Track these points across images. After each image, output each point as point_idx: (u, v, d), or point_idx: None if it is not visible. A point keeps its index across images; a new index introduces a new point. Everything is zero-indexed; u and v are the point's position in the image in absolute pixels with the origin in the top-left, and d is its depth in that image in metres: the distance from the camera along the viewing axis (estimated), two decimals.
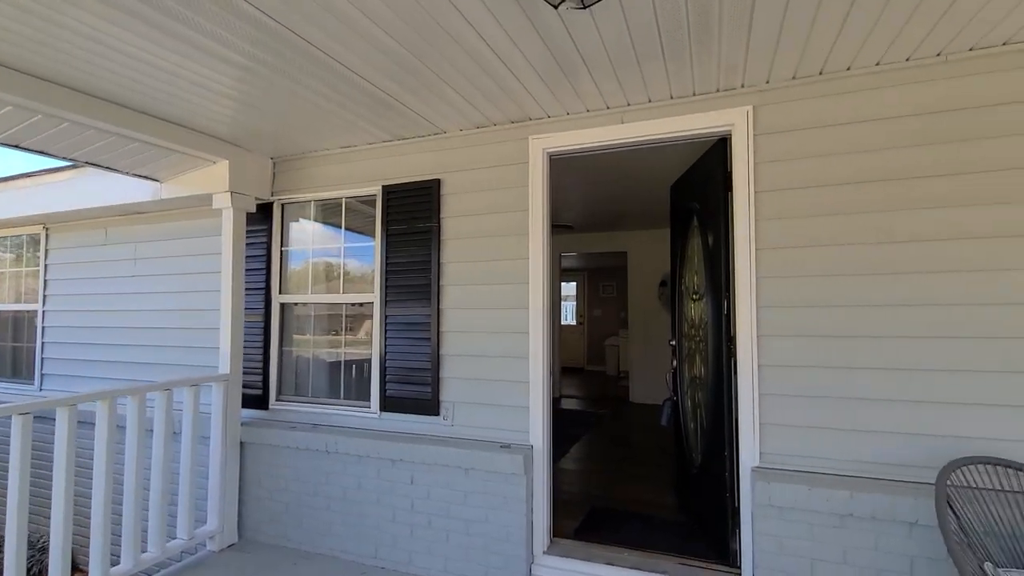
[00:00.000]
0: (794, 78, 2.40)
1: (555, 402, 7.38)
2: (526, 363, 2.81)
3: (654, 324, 6.83)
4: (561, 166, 3.71)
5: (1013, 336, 2.06)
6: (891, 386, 2.20)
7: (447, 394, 3.00)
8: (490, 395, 2.89)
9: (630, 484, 3.94)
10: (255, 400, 3.47)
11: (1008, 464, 1.96)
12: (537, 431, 2.76)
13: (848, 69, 2.32)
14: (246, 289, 3.37)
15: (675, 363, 3.46)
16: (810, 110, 2.38)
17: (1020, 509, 1.90)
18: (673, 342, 3.50)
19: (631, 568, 2.56)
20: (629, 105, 2.69)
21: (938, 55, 2.20)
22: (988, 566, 1.72)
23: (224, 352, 3.19)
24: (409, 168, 3.19)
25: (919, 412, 2.16)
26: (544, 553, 2.71)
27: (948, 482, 1.92)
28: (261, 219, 3.55)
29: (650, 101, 2.65)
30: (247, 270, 3.39)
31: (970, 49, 2.15)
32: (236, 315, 3.22)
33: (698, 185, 3.02)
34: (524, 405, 2.80)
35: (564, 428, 5.63)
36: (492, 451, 2.73)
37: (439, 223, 3.07)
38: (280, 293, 3.56)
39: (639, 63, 2.27)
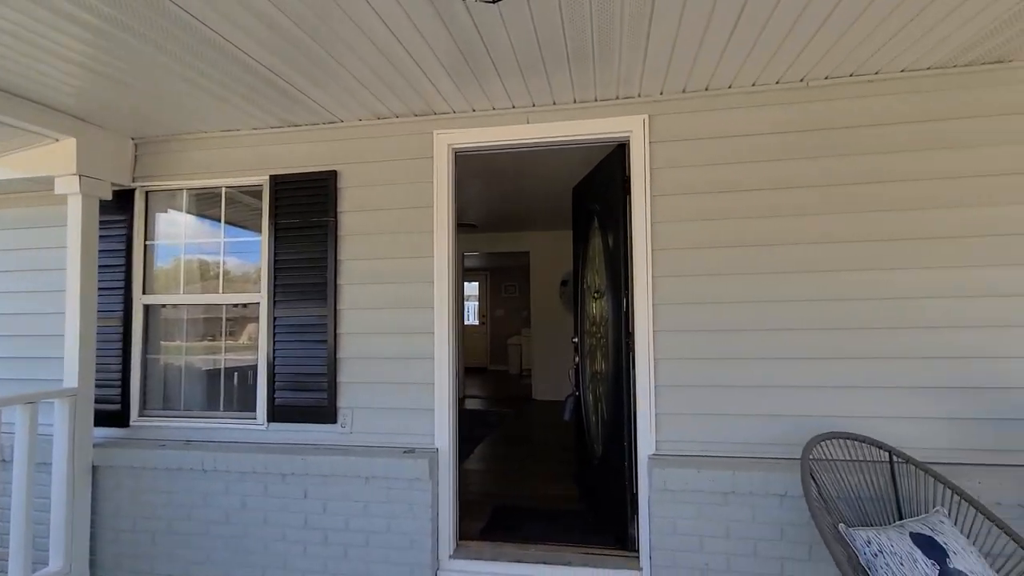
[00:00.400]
0: (684, 91, 2.58)
1: (459, 403, 7.31)
2: (431, 364, 2.73)
3: (556, 323, 7.05)
4: (466, 163, 3.66)
5: (848, 328, 2.40)
6: (765, 373, 2.45)
7: (346, 400, 2.82)
8: (393, 399, 2.77)
9: (534, 480, 4.01)
10: (112, 417, 2.99)
11: (855, 437, 2.27)
12: (443, 433, 2.69)
13: (729, 87, 2.55)
14: (100, 288, 2.90)
15: (577, 359, 3.57)
16: (698, 122, 2.58)
17: (863, 475, 2.21)
18: (575, 339, 3.61)
19: (537, 563, 2.59)
20: (535, 106, 2.73)
21: (801, 80, 2.49)
22: (842, 527, 1.97)
23: (70, 362, 2.71)
24: (302, 157, 2.95)
25: (787, 396, 2.43)
26: (450, 557, 2.65)
27: (810, 456, 2.17)
28: (119, 208, 3.08)
29: (555, 104, 2.71)
30: (102, 266, 2.92)
31: (825, 78, 2.47)
32: (86, 318, 2.75)
33: (599, 188, 3.14)
34: (429, 407, 2.72)
35: (469, 429, 5.59)
36: (395, 457, 2.61)
37: (336, 218, 2.87)
38: (144, 293, 3.11)
39: (546, 67, 2.30)
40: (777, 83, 2.51)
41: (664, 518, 2.39)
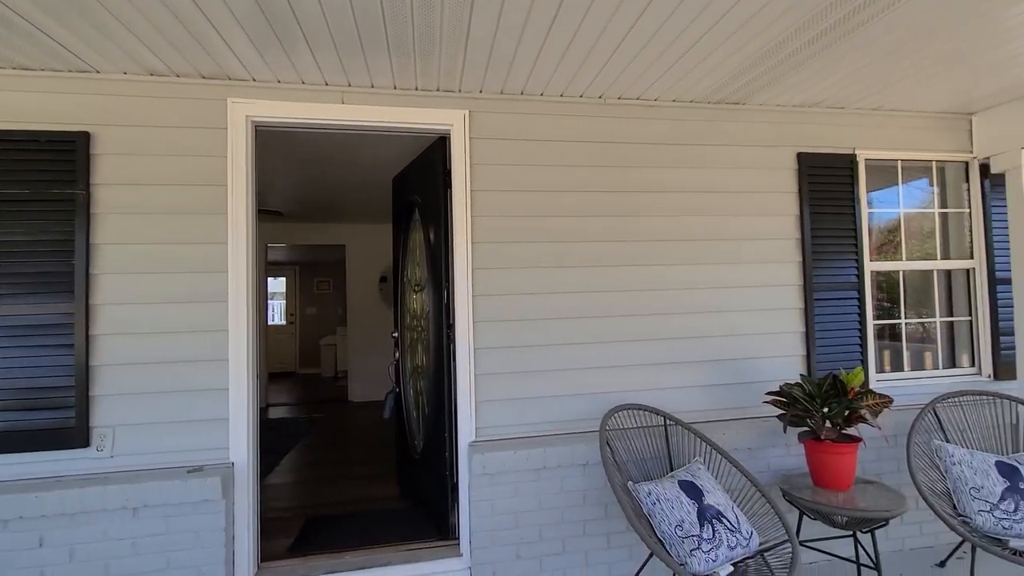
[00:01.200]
0: (502, 92, 2.71)
1: (262, 411, 6.52)
2: (225, 367, 2.37)
3: (375, 321, 6.78)
4: (270, 141, 3.28)
5: (632, 315, 2.82)
6: (568, 357, 2.71)
7: (104, 417, 2.27)
8: (175, 410, 2.33)
9: (351, 485, 3.79)
10: None
11: (639, 407, 2.66)
12: (240, 445, 2.36)
13: (542, 95, 2.75)
14: None
15: (397, 355, 3.49)
16: (515, 123, 2.73)
17: (646, 439, 2.61)
18: (396, 334, 3.52)
19: (355, 569, 2.45)
20: (351, 86, 2.57)
21: (600, 97, 2.82)
22: (630, 484, 2.30)
23: None
24: (35, 111, 2.29)
25: (587, 376, 2.73)
26: None
27: (607, 427, 2.48)
28: None
29: (373, 87, 2.59)
30: None
31: (619, 98, 2.84)
32: None
33: (420, 179, 3.11)
34: (222, 417, 2.35)
35: (273, 440, 5.03)
36: (176, 479, 2.20)
37: (88, 191, 2.30)
38: None
39: (363, 47, 2.18)
40: (581, 96, 2.80)
41: (483, 501, 2.47)
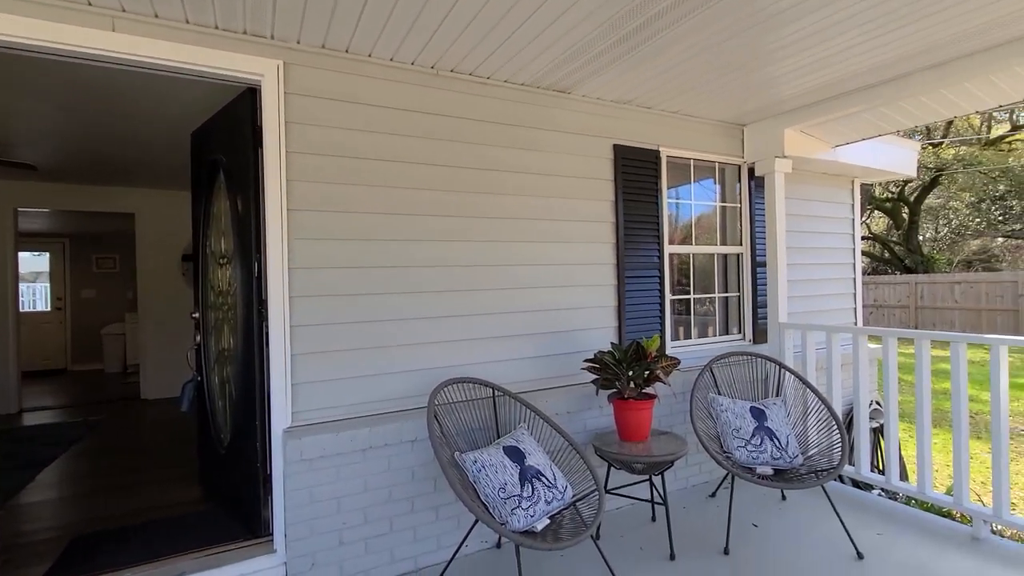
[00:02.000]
0: (323, 47, 2.47)
1: (14, 418, 5.18)
2: None
3: (175, 305, 5.81)
4: (15, 69, 2.57)
5: (464, 289, 2.85)
6: (397, 333, 2.63)
7: None
8: None
9: (140, 492, 3.21)
10: None
11: (469, 380, 2.70)
12: None
13: (370, 56, 2.57)
14: None
15: (199, 338, 3.02)
16: (341, 83, 2.51)
17: (475, 411, 2.65)
18: (196, 315, 3.05)
19: None
20: (125, 11, 2.10)
21: (432, 68, 2.74)
22: (456, 455, 2.32)
23: None
24: None
25: (417, 352, 2.68)
26: None
27: (435, 401, 2.46)
28: None
29: (157, 16, 2.15)
30: None
31: (451, 70, 2.79)
32: None
33: (226, 136, 2.70)
34: None
35: (26, 452, 4.03)
36: None
37: None
38: None
39: None
40: (413, 64, 2.69)
41: (300, 490, 2.28)
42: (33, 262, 8.51)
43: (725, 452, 2.92)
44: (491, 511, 2.18)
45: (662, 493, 2.73)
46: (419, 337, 2.69)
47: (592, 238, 3.32)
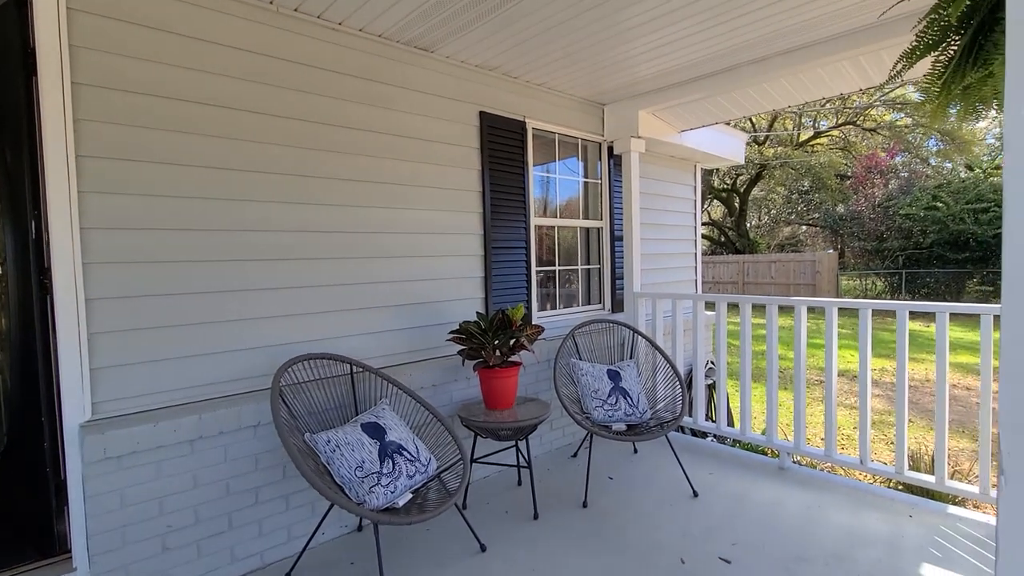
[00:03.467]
0: None
1: None
2: None
3: None
4: None
5: (321, 257, 2.60)
6: (230, 307, 2.30)
7: None
8: None
9: None
10: None
11: (322, 356, 2.47)
12: None
13: None
14: None
15: None
16: (147, 6, 2.07)
17: (329, 389, 2.45)
18: None
19: None
20: None
21: (271, 2, 2.40)
22: (307, 436, 2.11)
23: None
24: None
25: (258, 328, 2.38)
26: None
27: (282, 381, 2.21)
28: None
29: None
30: None
31: (295, 9, 2.47)
32: None
33: None
34: None
35: None
36: None
37: None
38: None
39: None
40: None
41: (107, 494, 1.90)
42: None
43: (585, 413, 3.07)
44: (347, 492, 2.03)
45: (527, 457, 2.78)
46: (262, 310, 2.39)
47: (459, 207, 3.24)
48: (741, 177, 22.40)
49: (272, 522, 2.31)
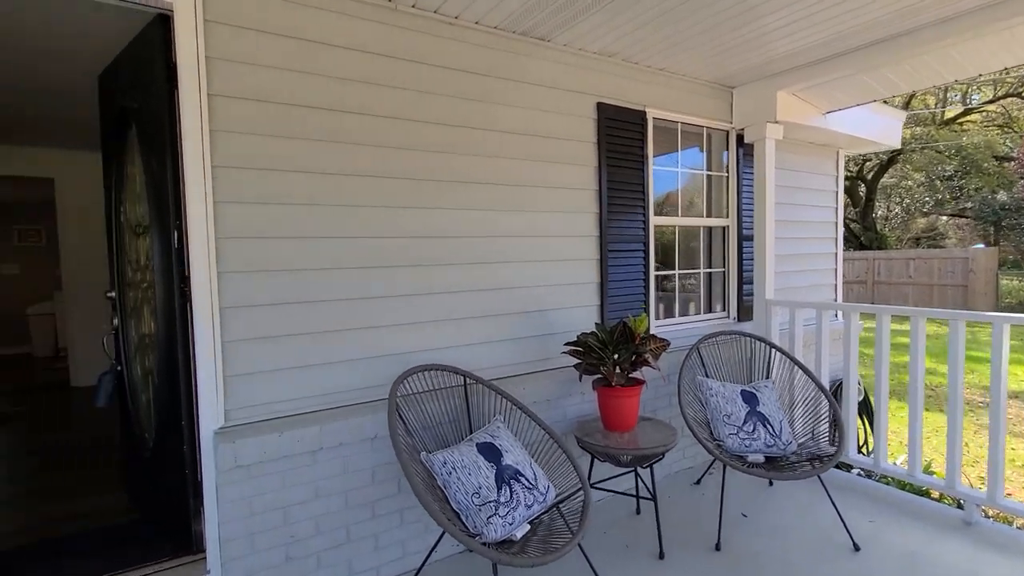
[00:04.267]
0: None
1: None
2: None
3: (104, 284, 5.19)
4: None
5: (431, 264, 2.49)
6: (349, 316, 2.25)
7: None
8: None
9: (61, 498, 2.77)
10: None
11: (436, 368, 2.37)
12: None
13: None
14: None
15: (116, 321, 2.57)
16: (275, 11, 2.06)
17: (443, 402, 2.33)
18: (112, 293, 2.59)
19: None
20: None
21: (390, 0, 2.31)
22: (423, 455, 2.00)
23: None
24: None
25: (373, 336, 2.32)
26: None
27: (398, 393, 2.13)
28: None
29: None
30: None
31: (413, 6, 2.36)
32: None
33: (135, 76, 2.22)
34: None
35: None
36: None
37: None
38: None
39: None
40: None
41: (238, 500, 1.92)
42: None
43: (716, 440, 2.71)
44: (464, 519, 1.89)
45: (650, 488, 2.50)
46: (377, 319, 2.33)
47: (573, 207, 3.00)
48: (869, 163, 19.82)
49: (388, 537, 2.25)
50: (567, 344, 2.62)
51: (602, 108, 3.09)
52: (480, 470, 1.98)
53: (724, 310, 3.94)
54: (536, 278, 2.84)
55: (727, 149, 3.86)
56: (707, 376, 3.08)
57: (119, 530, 2.37)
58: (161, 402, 2.19)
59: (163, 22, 1.98)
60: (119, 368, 2.55)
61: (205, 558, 1.99)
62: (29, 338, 7.22)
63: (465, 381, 2.43)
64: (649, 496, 2.55)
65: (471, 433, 2.33)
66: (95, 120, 3.70)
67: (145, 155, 2.18)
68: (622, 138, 3.20)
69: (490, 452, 2.08)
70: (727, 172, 3.87)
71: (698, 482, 3.19)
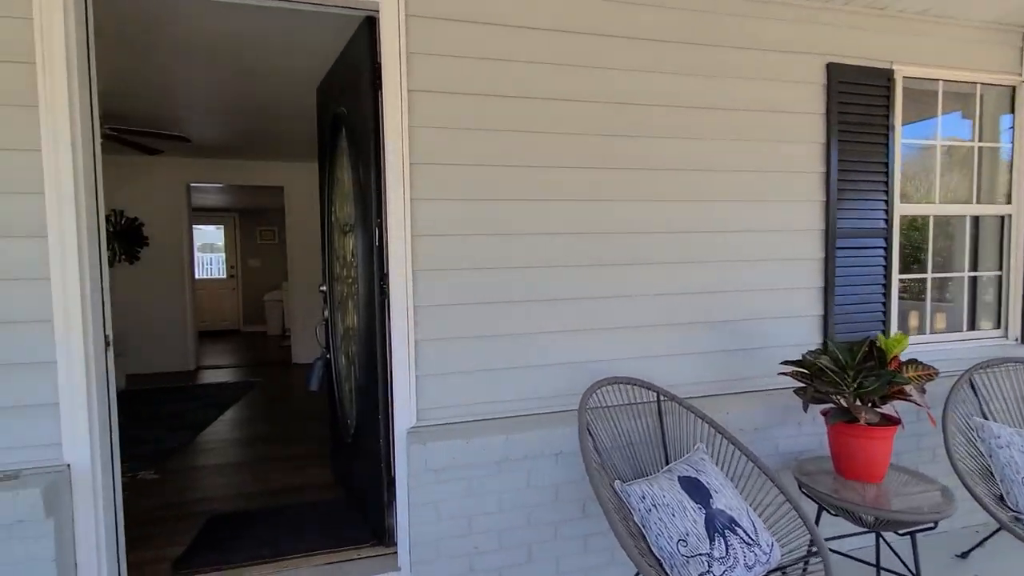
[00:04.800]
0: None
1: (192, 375, 5.79)
2: (45, 331, 1.64)
3: (319, 274, 6.01)
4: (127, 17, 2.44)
5: (616, 264, 2.21)
6: (534, 318, 2.09)
7: None
8: None
9: (277, 469, 3.18)
10: None
11: (628, 381, 2.10)
12: (80, 439, 1.67)
13: None
14: None
15: (327, 313, 2.81)
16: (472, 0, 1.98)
17: (635, 420, 2.05)
18: (324, 287, 2.83)
19: None
20: None
21: None
22: (618, 484, 1.75)
23: None
24: None
25: (558, 342, 2.13)
26: None
27: (587, 406, 1.91)
28: None
29: None
30: None
31: None
32: None
33: (346, 82, 2.35)
34: (47, 402, 1.65)
35: (191, 411, 4.34)
36: None
37: None
38: None
39: None
40: None
41: (427, 504, 1.89)
42: (213, 234, 9.64)
43: (1014, 511, 1.97)
44: (668, 569, 1.59)
45: (909, 565, 1.90)
46: (563, 323, 2.14)
47: (791, 194, 2.46)
48: None
49: (569, 562, 2.06)
50: (786, 363, 2.13)
51: (833, 70, 2.48)
52: (686, 512, 1.66)
53: (999, 327, 2.96)
54: (741, 281, 2.39)
55: (1015, 111, 2.87)
56: (984, 416, 2.30)
57: (325, 506, 2.58)
58: (361, 394, 2.29)
59: (370, 24, 2.03)
60: (328, 356, 2.78)
61: (396, 553, 2.02)
62: (265, 319, 8.80)
63: (659, 398, 2.11)
64: (913, 574, 1.95)
65: (666, 458, 2.01)
66: (313, 134, 4.17)
67: (352, 156, 2.29)
68: (859, 105, 2.54)
69: (696, 490, 1.74)
70: (1013, 143, 2.88)
71: (965, 555, 2.41)
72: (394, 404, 1.96)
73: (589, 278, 2.16)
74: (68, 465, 1.66)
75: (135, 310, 5.68)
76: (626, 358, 2.23)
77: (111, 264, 5.68)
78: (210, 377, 5.76)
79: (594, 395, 1.96)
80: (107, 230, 5.66)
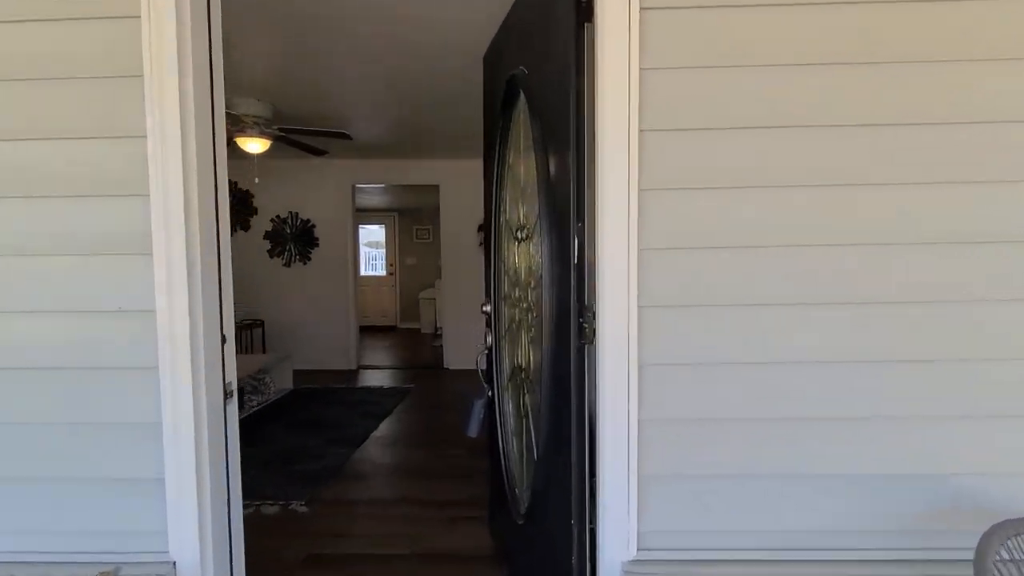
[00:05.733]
0: None
1: (353, 375, 5.82)
2: (151, 380, 1.23)
3: (472, 274, 5.65)
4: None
5: (995, 299, 1.20)
6: (828, 389, 1.21)
7: None
8: (35, 463, 1.26)
9: (429, 520, 2.63)
10: None
11: None
12: (187, 529, 1.24)
13: None
14: None
15: (490, 340, 2.21)
16: None
17: None
18: (487, 307, 2.23)
19: None
20: None
21: None
22: None
23: None
24: None
25: (891, 434, 1.21)
26: None
27: (990, 559, 0.98)
28: None
29: None
30: None
31: None
32: None
33: (525, 32, 1.69)
34: (150, 476, 1.24)
35: (352, 420, 4.18)
36: None
37: None
38: None
39: None
40: None
41: None
42: (376, 233, 10.08)
43: None
44: None
45: None
46: (882, 403, 1.21)
47: None
48: None
49: None
50: None
51: None
52: None
53: None
54: None
55: None
56: None
57: None
58: (543, 466, 1.62)
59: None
60: (490, 395, 2.18)
61: None
62: (419, 316, 8.88)
63: None
64: None
65: None
66: (469, 131, 3.61)
67: (537, 130, 1.61)
68: None
69: None
70: None
71: None
72: (598, 517, 1.24)
73: (934, 330, 1.21)
74: (174, 563, 1.23)
75: (303, 308, 5.87)
76: (995, 473, 1.23)
77: (288, 265, 5.95)
78: (369, 379, 5.73)
79: (1004, 545, 1.02)
80: (285, 232, 5.96)
